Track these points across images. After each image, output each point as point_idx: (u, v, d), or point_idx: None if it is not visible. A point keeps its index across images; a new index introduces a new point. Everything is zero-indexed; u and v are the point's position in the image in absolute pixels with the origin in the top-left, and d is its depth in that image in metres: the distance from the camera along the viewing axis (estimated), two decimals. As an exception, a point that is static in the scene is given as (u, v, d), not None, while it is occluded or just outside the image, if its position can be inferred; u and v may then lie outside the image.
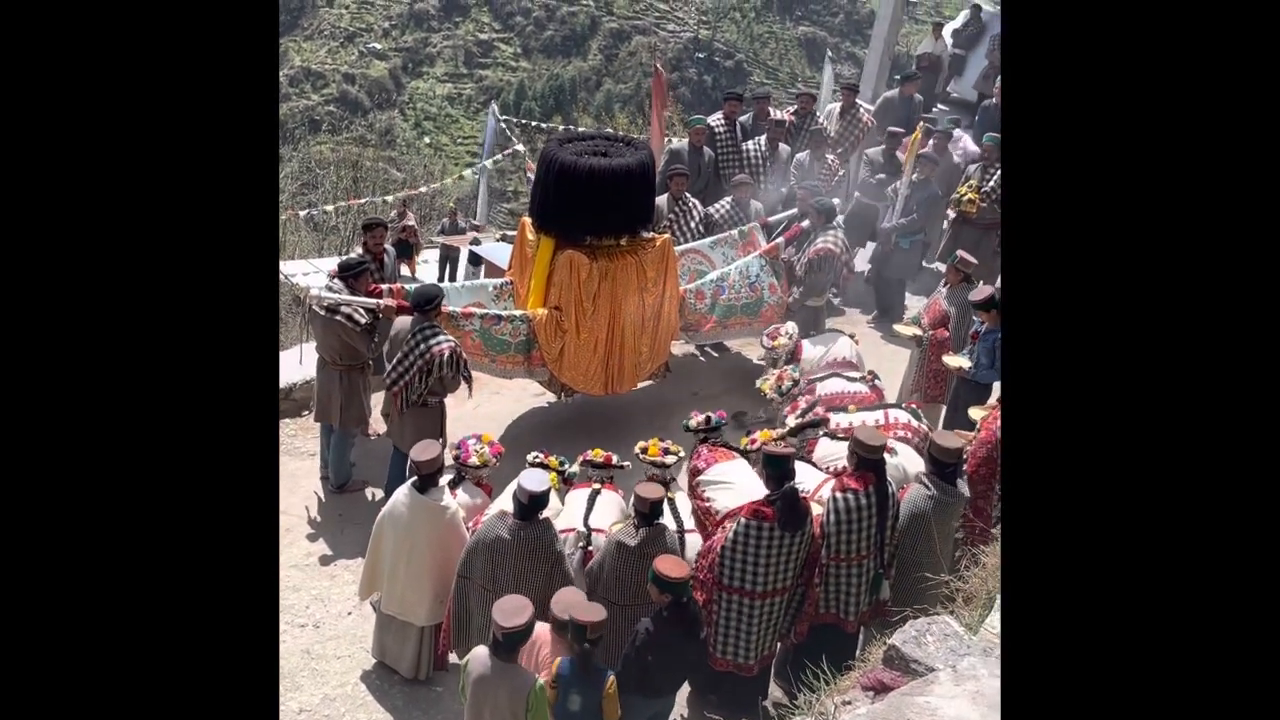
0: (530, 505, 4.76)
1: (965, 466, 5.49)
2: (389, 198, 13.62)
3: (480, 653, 4.22)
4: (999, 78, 10.86)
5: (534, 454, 5.54)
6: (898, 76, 12.11)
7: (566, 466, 5.57)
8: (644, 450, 5.43)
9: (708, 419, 5.75)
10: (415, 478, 5.09)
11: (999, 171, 8.83)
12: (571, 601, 4.28)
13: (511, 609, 4.10)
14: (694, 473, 5.47)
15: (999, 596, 3.92)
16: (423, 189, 14.58)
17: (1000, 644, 3.00)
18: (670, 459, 5.38)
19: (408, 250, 11.01)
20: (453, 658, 5.33)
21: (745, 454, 5.58)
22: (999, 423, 5.43)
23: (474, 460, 5.50)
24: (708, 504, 5.24)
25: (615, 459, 5.46)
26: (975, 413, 6.12)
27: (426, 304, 6.26)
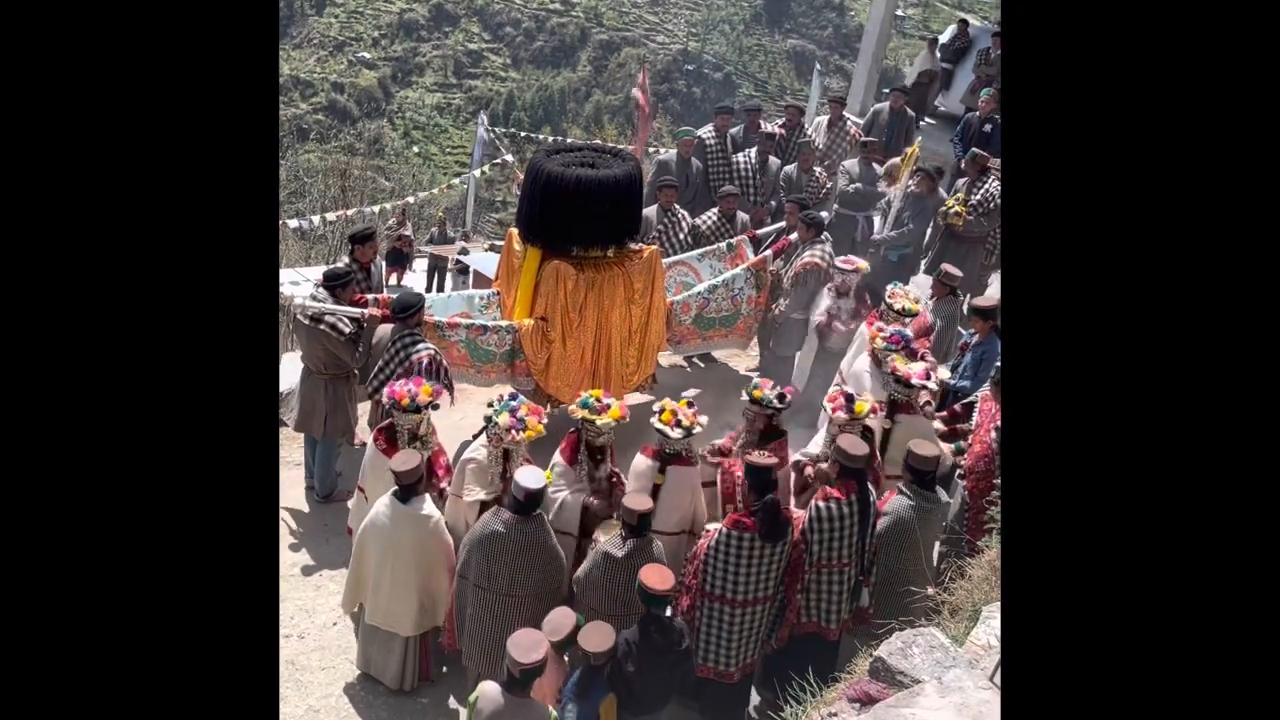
0: (527, 502, 4.75)
1: (965, 483, 5.50)
2: (376, 208, 13.60)
3: (491, 689, 4.09)
4: (984, 91, 10.91)
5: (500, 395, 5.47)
6: (886, 90, 12.17)
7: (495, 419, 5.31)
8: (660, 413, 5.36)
9: (781, 395, 5.56)
10: (396, 488, 5.05)
11: (986, 185, 8.86)
12: (561, 623, 4.23)
13: (527, 645, 3.99)
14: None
15: (984, 608, 3.93)
16: (410, 199, 14.57)
17: (1001, 650, 2.99)
18: (678, 432, 5.27)
19: (401, 259, 10.99)
20: (457, 698, 5.31)
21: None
22: (991, 435, 5.44)
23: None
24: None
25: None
26: (936, 425, 6.10)
27: (405, 311, 6.26)
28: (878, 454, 5.64)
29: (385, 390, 5.48)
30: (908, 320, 6.63)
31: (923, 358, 6.75)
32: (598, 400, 5.40)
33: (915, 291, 7.06)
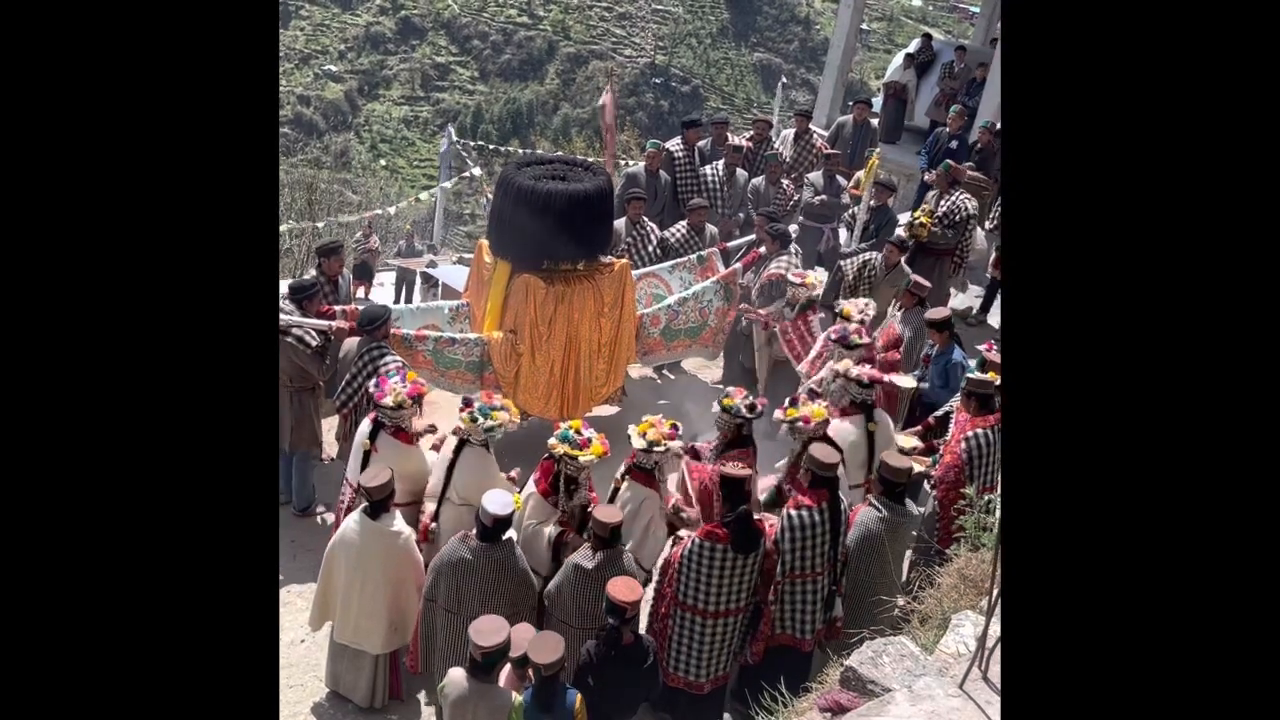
0: (494, 528, 4.72)
1: (935, 493, 5.53)
2: (348, 218, 13.51)
3: (457, 675, 4.17)
4: (952, 108, 11.05)
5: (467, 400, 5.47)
6: (850, 102, 12.30)
7: (483, 421, 5.32)
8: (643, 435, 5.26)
9: (751, 404, 5.53)
10: (366, 503, 5.01)
11: (954, 198, 8.93)
12: (522, 640, 4.20)
13: (489, 629, 4.07)
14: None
15: (954, 616, 3.96)
16: (378, 211, 14.49)
17: (1001, 652, 2.99)
18: (659, 449, 5.19)
19: (367, 272, 10.94)
20: (422, 697, 5.24)
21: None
22: (961, 446, 5.49)
23: (388, 400, 5.36)
24: None
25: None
26: (902, 439, 6.12)
27: (372, 324, 6.23)
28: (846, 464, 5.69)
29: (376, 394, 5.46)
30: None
31: (894, 369, 6.83)
32: (578, 433, 5.22)
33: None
